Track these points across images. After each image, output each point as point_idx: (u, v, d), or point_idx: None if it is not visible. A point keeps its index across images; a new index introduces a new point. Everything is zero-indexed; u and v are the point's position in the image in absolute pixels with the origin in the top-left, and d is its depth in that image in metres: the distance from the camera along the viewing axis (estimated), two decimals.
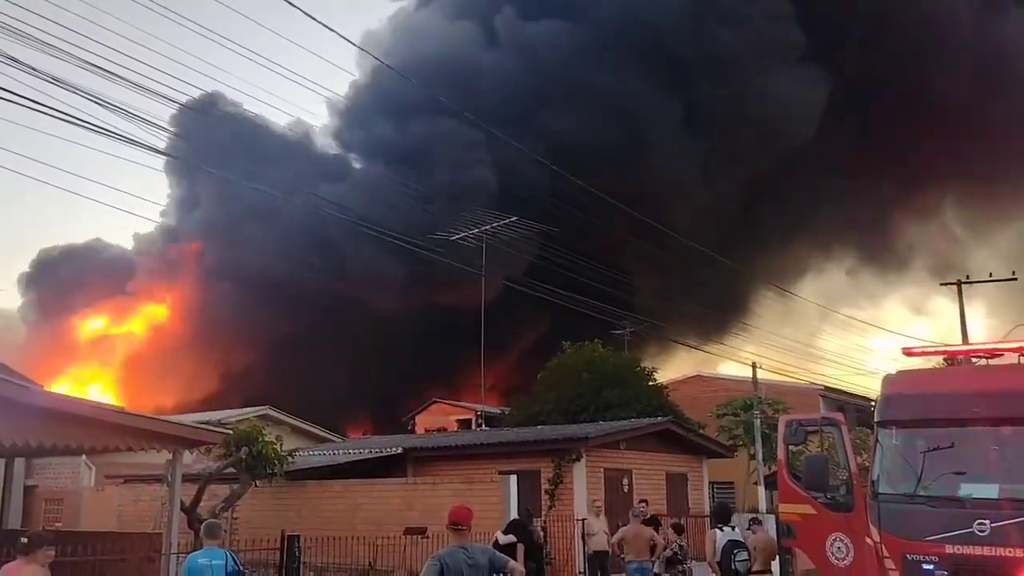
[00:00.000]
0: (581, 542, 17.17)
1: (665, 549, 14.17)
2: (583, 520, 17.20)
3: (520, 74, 41.24)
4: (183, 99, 27.14)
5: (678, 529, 15.28)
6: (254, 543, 13.23)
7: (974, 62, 42.94)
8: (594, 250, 28.50)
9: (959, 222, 50.39)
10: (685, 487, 23.21)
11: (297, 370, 37.68)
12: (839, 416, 9.07)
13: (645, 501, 17.36)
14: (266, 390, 33.01)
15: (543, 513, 18.60)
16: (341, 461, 22.24)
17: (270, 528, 15.27)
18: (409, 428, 37.08)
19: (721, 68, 41.79)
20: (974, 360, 9.78)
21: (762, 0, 42.96)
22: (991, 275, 30.57)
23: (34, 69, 11.34)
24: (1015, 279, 29.44)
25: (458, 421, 36.36)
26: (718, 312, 37.93)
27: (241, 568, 8.40)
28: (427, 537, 15.16)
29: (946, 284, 31.28)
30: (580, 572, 17.77)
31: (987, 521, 7.20)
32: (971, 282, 30.58)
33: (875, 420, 8.44)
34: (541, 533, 15.94)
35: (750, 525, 11.98)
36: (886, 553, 7.68)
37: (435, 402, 38.35)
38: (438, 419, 36.78)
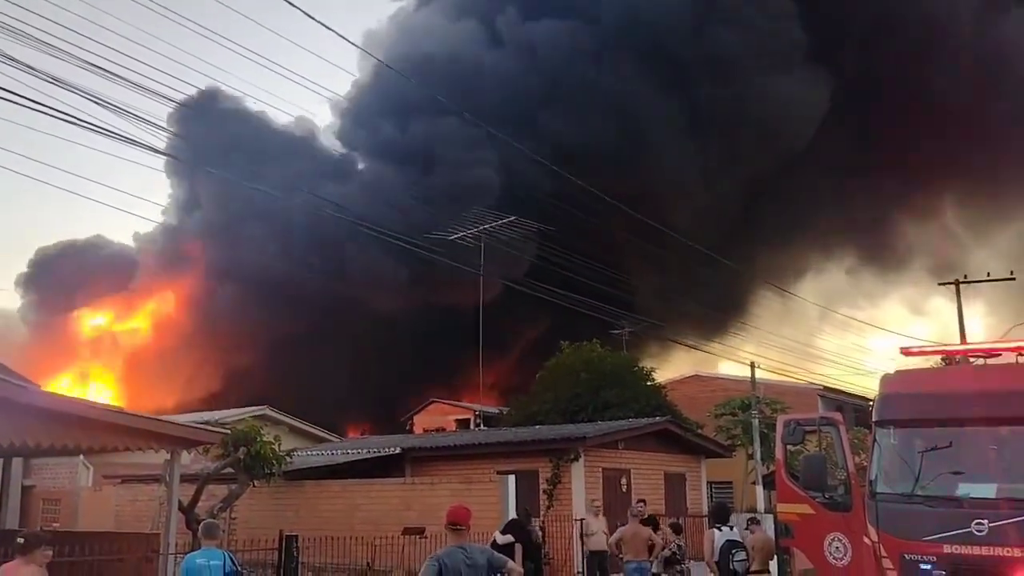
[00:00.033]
0: (580, 542, 17.17)
1: (663, 549, 14.15)
2: (582, 520, 17.19)
3: (521, 74, 41.26)
4: (183, 99, 27.13)
5: (676, 529, 15.26)
6: (252, 543, 13.21)
7: (974, 62, 42.93)
8: (594, 249, 28.51)
9: (959, 222, 50.42)
10: (683, 487, 23.22)
11: (297, 370, 37.68)
12: (837, 416, 9.06)
13: (643, 501, 17.33)
14: (266, 390, 33.02)
15: (541, 513, 18.58)
16: (339, 461, 22.23)
17: (268, 528, 15.26)
18: (407, 428, 37.07)
19: (721, 68, 41.78)
20: (972, 360, 9.77)
21: (762, 0, 42.98)
22: (989, 275, 30.58)
23: (33, 69, 11.34)
24: (1013, 279, 29.44)
25: (456, 421, 36.36)
26: (717, 312, 37.93)
27: (239, 568, 8.38)
28: (425, 537, 15.16)
29: (944, 284, 31.29)
30: (578, 572, 17.78)
31: (985, 521, 7.19)
32: (969, 282, 30.58)
33: (873, 420, 8.44)
34: (539, 533, 15.91)
35: (748, 525, 11.96)
36: (884, 553, 7.66)
37: (433, 402, 38.35)
38: (436, 419, 36.77)
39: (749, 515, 14.39)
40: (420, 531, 15.58)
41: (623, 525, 14.14)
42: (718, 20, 42.24)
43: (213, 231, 40.88)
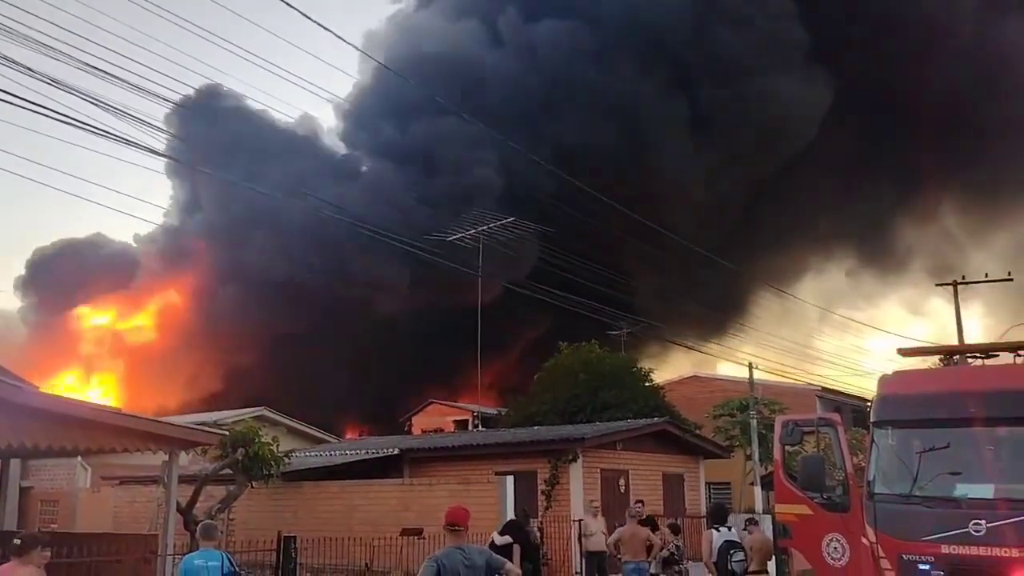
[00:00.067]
0: (578, 543, 17.15)
1: (662, 550, 14.14)
2: (580, 521, 17.18)
3: (521, 74, 41.23)
4: (182, 98, 27.13)
5: (675, 529, 15.25)
6: (250, 544, 13.22)
7: (974, 62, 42.93)
8: (594, 250, 28.53)
9: (958, 223, 50.42)
10: (682, 487, 23.21)
11: (297, 370, 37.69)
12: (835, 416, 9.06)
13: (641, 501, 17.30)
14: (266, 390, 33.03)
15: (539, 514, 18.59)
16: (338, 462, 22.24)
17: (266, 529, 15.27)
18: (406, 429, 37.07)
19: (722, 68, 41.76)
20: (970, 360, 9.77)
21: (763, 0, 42.98)
22: (987, 276, 30.60)
23: (31, 70, 11.33)
24: (1011, 279, 29.46)
25: (455, 422, 36.36)
26: (716, 313, 37.94)
27: (237, 569, 8.36)
28: (424, 538, 15.16)
29: (942, 285, 31.32)
30: (577, 573, 17.77)
31: (983, 521, 7.19)
32: (967, 283, 30.62)
33: (871, 420, 8.44)
34: (538, 534, 15.91)
35: (746, 525, 11.94)
36: (882, 553, 7.66)
37: (432, 403, 38.36)
38: (435, 420, 36.77)
39: (747, 515, 14.39)
40: (418, 532, 15.59)
41: (621, 526, 14.13)
42: (718, 20, 42.22)
43: (214, 232, 40.88)
